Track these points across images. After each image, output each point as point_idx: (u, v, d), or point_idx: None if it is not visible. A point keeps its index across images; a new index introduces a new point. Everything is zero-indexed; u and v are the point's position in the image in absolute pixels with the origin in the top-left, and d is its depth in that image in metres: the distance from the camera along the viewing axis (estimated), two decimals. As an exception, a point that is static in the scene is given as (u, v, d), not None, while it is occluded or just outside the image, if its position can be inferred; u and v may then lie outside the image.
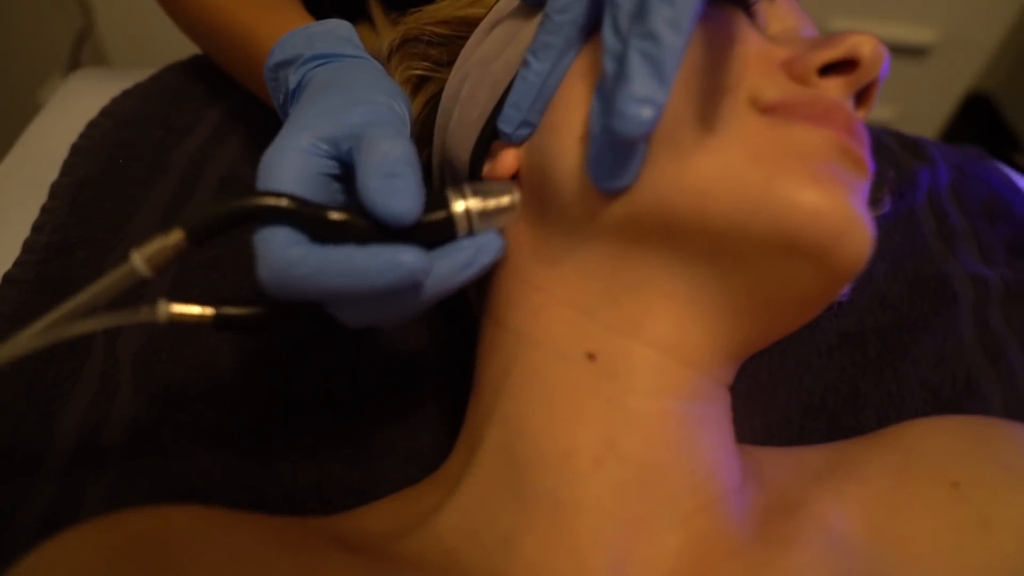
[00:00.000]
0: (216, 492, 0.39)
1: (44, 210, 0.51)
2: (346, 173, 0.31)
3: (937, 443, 0.35)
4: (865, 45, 0.30)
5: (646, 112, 0.24)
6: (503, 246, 0.31)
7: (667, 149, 0.28)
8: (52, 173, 0.52)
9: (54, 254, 0.48)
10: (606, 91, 0.27)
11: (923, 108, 1.44)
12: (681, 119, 0.28)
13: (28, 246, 0.49)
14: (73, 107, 0.58)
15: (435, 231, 0.29)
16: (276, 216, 0.27)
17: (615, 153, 0.28)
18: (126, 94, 0.58)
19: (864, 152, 0.30)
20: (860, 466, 0.34)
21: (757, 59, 0.31)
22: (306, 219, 0.27)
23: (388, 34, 0.43)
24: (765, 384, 0.47)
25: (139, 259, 0.27)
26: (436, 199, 0.29)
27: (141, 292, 0.46)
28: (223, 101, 0.57)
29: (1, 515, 0.37)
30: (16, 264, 0.48)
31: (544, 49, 0.31)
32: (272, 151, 0.29)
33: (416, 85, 0.42)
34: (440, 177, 0.40)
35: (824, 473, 0.34)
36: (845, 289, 0.50)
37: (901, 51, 1.34)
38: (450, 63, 0.40)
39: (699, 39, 0.30)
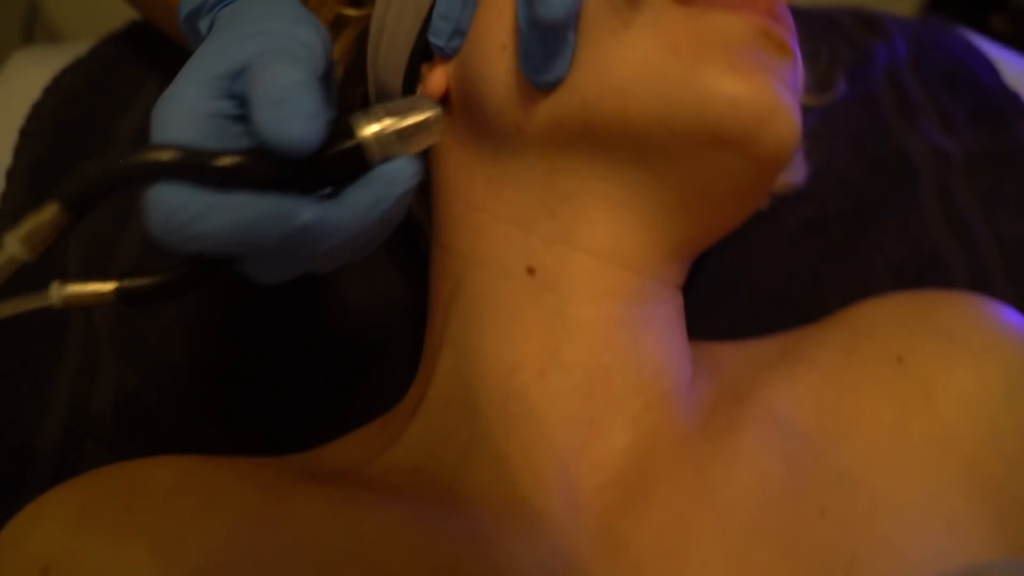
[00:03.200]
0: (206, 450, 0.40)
1: (4, 198, 0.51)
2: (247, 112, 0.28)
3: (884, 320, 0.35)
4: None
5: None
6: (419, 171, 0.26)
7: (588, 47, 0.28)
8: (6, 159, 0.52)
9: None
10: None
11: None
12: (598, 14, 0.28)
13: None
14: (18, 89, 0.57)
15: (344, 163, 0.25)
16: (162, 172, 0.23)
17: (544, 45, 0.28)
18: (66, 71, 0.57)
19: (788, 35, 0.30)
20: (811, 350, 0.35)
21: None
22: (195, 169, 0.23)
23: None
24: (728, 280, 0.48)
25: (14, 242, 0.23)
26: (342, 127, 0.25)
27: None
28: (163, 65, 0.56)
29: (7, 490, 0.39)
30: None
31: None
32: (163, 100, 0.25)
33: (341, 23, 0.41)
34: None
35: (777, 361, 0.35)
36: (801, 177, 0.50)
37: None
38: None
39: None
